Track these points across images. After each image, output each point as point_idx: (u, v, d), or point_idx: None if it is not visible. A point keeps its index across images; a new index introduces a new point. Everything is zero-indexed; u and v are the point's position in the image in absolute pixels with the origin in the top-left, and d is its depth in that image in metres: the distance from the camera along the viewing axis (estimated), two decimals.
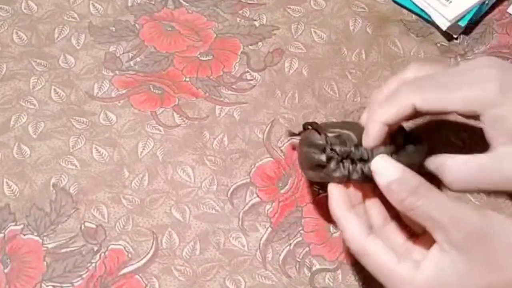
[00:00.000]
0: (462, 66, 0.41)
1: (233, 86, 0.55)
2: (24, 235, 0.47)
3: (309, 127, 0.43)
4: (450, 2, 0.57)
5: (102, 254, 0.46)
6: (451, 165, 0.39)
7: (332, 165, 0.41)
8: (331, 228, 0.48)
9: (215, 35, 0.59)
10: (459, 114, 0.39)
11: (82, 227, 0.47)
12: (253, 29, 0.59)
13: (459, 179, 0.39)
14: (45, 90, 0.54)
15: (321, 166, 0.41)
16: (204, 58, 0.57)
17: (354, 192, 0.41)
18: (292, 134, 0.49)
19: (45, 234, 0.47)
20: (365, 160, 0.40)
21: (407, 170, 0.38)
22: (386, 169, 0.38)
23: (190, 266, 0.46)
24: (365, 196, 0.42)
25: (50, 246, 0.46)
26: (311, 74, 0.56)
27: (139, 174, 0.50)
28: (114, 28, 0.58)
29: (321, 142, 0.41)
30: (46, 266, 0.45)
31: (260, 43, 0.58)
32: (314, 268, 0.46)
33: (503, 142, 0.38)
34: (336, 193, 0.41)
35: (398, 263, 0.36)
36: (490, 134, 0.38)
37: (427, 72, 0.41)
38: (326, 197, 0.49)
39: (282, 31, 0.59)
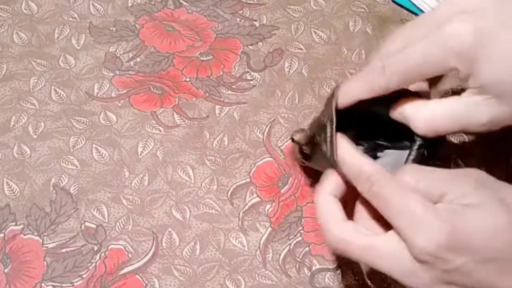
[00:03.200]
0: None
1: (233, 86, 0.55)
2: (24, 235, 0.47)
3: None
4: None
5: (102, 254, 0.46)
6: (419, 116, 0.38)
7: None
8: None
9: (215, 35, 0.59)
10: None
11: (82, 227, 0.47)
12: (253, 29, 0.59)
13: (429, 127, 0.37)
14: (45, 90, 0.54)
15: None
16: (204, 58, 0.57)
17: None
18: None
19: (45, 234, 0.47)
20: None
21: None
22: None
23: (190, 266, 0.46)
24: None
25: (50, 246, 0.46)
26: (311, 74, 0.56)
27: (139, 174, 0.50)
28: (114, 28, 0.59)
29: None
30: (46, 266, 0.45)
31: (260, 43, 0.58)
32: (314, 268, 0.46)
33: (474, 92, 0.36)
34: (329, 180, 0.39)
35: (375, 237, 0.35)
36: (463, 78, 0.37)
37: None
38: None
39: (282, 31, 0.59)
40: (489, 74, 0.34)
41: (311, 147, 0.43)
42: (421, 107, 0.38)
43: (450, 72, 0.36)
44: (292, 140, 0.46)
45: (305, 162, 0.46)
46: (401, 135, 0.40)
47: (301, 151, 0.46)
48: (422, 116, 0.37)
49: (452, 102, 0.36)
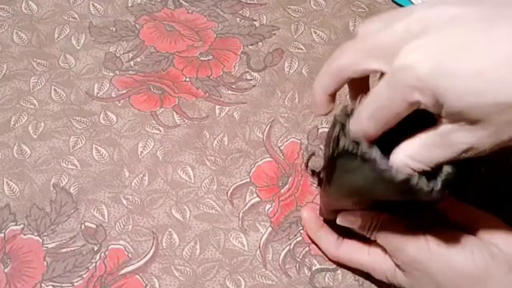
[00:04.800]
0: None
1: (233, 86, 0.55)
2: (24, 235, 0.47)
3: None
4: None
5: (102, 254, 0.46)
6: (398, 157, 0.35)
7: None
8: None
9: (215, 35, 0.59)
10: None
11: (82, 227, 0.47)
12: (253, 29, 0.59)
13: (412, 164, 0.34)
14: (45, 90, 0.54)
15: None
16: (204, 58, 0.57)
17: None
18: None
19: (45, 234, 0.47)
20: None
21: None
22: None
23: (190, 266, 0.46)
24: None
25: (50, 246, 0.46)
26: (311, 74, 0.56)
27: (139, 174, 0.50)
28: (114, 28, 0.59)
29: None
30: (46, 266, 0.45)
31: (260, 43, 0.58)
32: (314, 268, 0.46)
33: (446, 121, 0.33)
34: (306, 217, 0.47)
35: (368, 254, 0.44)
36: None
37: None
38: None
39: (282, 31, 0.59)
40: (456, 102, 0.30)
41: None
42: (399, 148, 0.35)
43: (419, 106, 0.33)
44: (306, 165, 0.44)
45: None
46: None
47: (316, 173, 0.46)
48: (402, 155, 0.34)
49: (429, 134, 0.34)
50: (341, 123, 0.35)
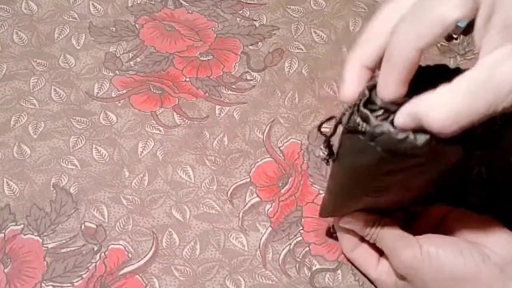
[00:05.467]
0: None
1: (233, 86, 0.55)
2: (24, 235, 0.47)
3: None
4: None
5: (102, 254, 0.46)
6: (434, 108, 0.29)
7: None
8: (331, 228, 0.48)
9: (215, 35, 0.59)
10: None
11: (82, 227, 0.47)
12: (253, 29, 0.59)
13: (449, 119, 0.29)
14: (45, 90, 0.54)
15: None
16: (204, 58, 0.57)
17: None
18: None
19: (45, 234, 0.47)
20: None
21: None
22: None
23: (190, 266, 0.46)
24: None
25: (50, 246, 0.46)
26: (311, 74, 0.56)
27: (139, 174, 0.50)
28: (114, 28, 0.59)
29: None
30: (46, 265, 0.45)
31: (260, 43, 0.58)
32: (314, 268, 0.46)
33: (497, 43, 0.29)
34: (343, 238, 0.46)
35: (376, 266, 0.44)
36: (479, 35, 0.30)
37: None
38: None
39: (282, 31, 0.59)
40: None
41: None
42: (433, 96, 0.29)
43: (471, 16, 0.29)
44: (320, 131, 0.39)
45: (322, 191, 0.46)
46: None
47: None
48: (439, 106, 0.29)
49: (471, 72, 0.28)
50: (355, 103, 0.34)
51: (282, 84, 0.56)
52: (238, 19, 0.60)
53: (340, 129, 0.36)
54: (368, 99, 0.33)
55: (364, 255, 0.44)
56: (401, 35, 0.30)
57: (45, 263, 0.46)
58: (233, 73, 0.56)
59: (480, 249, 0.38)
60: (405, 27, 0.31)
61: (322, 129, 0.38)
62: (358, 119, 0.33)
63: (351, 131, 0.34)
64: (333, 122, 0.36)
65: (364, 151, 0.34)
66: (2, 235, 0.46)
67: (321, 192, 0.50)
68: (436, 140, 0.31)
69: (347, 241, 0.45)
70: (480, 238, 0.39)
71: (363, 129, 0.33)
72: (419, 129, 0.31)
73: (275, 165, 0.51)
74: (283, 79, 0.56)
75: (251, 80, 0.56)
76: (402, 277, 0.41)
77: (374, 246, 0.44)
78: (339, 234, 0.46)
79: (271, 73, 0.56)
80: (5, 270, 0.45)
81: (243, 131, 0.53)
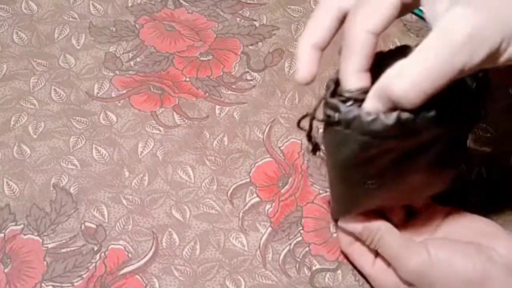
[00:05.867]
0: None
1: (233, 86, 0.55)
2: (24, 235, 0.47)
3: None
4: None
5: (102, 254, 0.46)
6: (393, 77, 0.30)
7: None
8: (331, 228, 0.48)
9: (215, 35, 0.59)
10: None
11: (82, 227, 0.47)
12: (253, 29, 0.59)
13: (410, 83, 0.29)
14: (45, 90, 0.54)
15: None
16: (204, 58, 0.57)
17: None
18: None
19: (45, 234, 0.47)
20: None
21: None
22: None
23: (190, 266, 0.46)
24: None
25: (50, 246, 0.46)
26: None
27: (139, 174, 0.50)
28: (114, 28, 0.59)
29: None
30: (46, 265, 0.45)
31: (260, 43, 0.58)
32: (314, 268, 0.46)
33: (445, 8, 0.29)
34: (340, 232, 0.45)
35: (373, 265, 0.43)
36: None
37: None
38: (327, 197, 0.49)
39: (282, 31, 0.59)
40: None
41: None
42: (394, 69, 0.30)
43: None
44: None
45: (322, 191, 0.46)
46: None
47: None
48: (401, 75, 0.29)
49: (426, 40, 0.29)
50: (322, 97, 0.35)
51: (282, 84, 0.56)
52: (238, 19, 0.60)
53: (317, 124, 0.37)
54: (334, 91, 0.34)
55: (361, 251, 0.44)
56: (353, 20, 0.32)
57: (45, 263, 0.45)
58: (233, 73, 0.56)
59: (487, 251, 0.38)
60: (356, 12, 0.32)
61: (301, 125, 0.38)
62: (329, 111, 0.34)
63: (327, 124, 0.35)
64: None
65: (344, 142, 0.34)
66: (2, 235, 0.46)
67: (321, 192, 0.50)
68: (406, 116, 0.31)
69: (344, 235, 0.45)
70: (484, 240, 0.39)
71: (336, 119, 0.34)
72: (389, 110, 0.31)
73: (275, 165, 0.51)
74: (283, 79, 0.56)
75: (251, 80, 0.56)
76: (409, 284, 0.40)
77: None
78: (338, 228, 0.45)
79: (271, 73, 0.56)
80: (5, 270, 0.45)
81: (243, 131, 0.53)
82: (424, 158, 0.37)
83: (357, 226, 0.42)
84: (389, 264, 0.42)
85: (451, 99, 0.33)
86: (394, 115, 0.31)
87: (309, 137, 0.39)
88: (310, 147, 0.40)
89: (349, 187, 0.40)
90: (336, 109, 0.33)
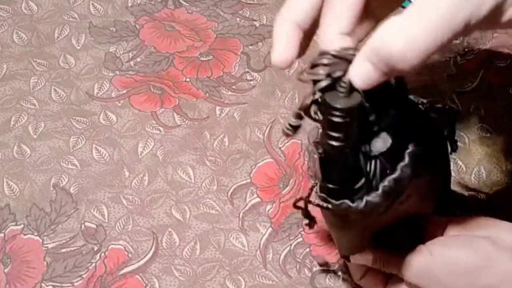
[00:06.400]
0: None
1: (233, 87, 0.55)
2: (24, 235, 0.47)
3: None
4: None
5: (102, 254, 0.46)
6: (386, 35, 0.26)
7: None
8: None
9: (215, 35, 0.59)
10: None
11: (82, 227, 0.47)
12: (253, 29, 0.59)
13: (405, 41, 0.26)
14: (45, 90, 0.54)
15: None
16: (204, 58, 0.57)
17: None
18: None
19: (45, 234, 0.47)
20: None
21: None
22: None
23: (190, 266, 0.46)
24: None
25: (50, 246, 0.46)
26: None
27: (139, 174, 0.50)
28: (114, 29, 0.58)
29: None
30: (46, 265, 0.45)
31: (260, 43, 0.58)
32: (315, 269, 0.46)
33: None
34: (351, 267, 0.44)
35: None
36: None
37: None
38: None
39: None
40: None
41: None
42: (386, 27, 0.26)
43: None
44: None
45: None
46: None
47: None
48: (395, 33, 0.26)
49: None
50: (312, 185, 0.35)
51: (282, 84, 0.56)
52: (238, 19, 0.60)
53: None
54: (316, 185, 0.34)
55: (373, 279, 0.43)
56: None
57: (45, 263, 0.45)
58: (233, 73, 0.56)
59: (488, 237, 0.38)
60: None
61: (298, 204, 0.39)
62: (319, 202, 0.34)
63: (322, 206, 0.35)
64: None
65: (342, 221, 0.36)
66: (2, 235, 0.46)
67: None
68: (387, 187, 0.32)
69: (355, 269, 0.44)
70: (484, 231, 0.39)
71: (328, 206, 0.34)
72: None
73: (275, 166, 0.51)
74: (283, 79, 0.56)
75: (251, 80, 0.56)
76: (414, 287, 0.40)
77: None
78: (348, 264, 0.45)
79: (271, 73, 0.56)
80: (5, 270, 0.45)
81: (244, 131, 0.53)
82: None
83: (369, 257, 0.41)
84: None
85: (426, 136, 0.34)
86: (361, 202, 0.32)
87: (306, 214, 0.39)
88: (307, 221, 0.40)
89: (352, 239, 0.40)
90: (327, 201, 0.34)
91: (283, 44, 0.31)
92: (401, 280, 0.41)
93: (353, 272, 0.44)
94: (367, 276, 0.44)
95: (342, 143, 0.30)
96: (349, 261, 0.42)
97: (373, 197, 0.32)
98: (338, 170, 0.33)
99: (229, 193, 0.49)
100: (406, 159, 0.32)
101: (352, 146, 0.31)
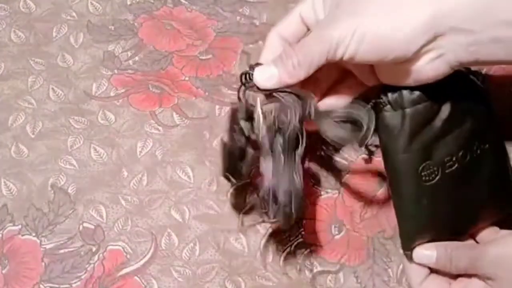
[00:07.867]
0: None
1: (233, 86, 0.55)
2: (22, 235, 0.46)
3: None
4: None
5: (101, 255, 0.46)
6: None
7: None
8: (333, 230, 0.48)
9: (215, 34, 0.58)
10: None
11: (81, 227, 0.47)
12: (253, 27, 0.59)
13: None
14: (43, 89, 0.54)
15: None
16: (203, 57, 0.57)
17: None
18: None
19: (43, 234, 0.46)
20: None
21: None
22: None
23: (189, 267, 0.46)
24: None
25: (48, 246, 0.46)
26: None
27: (138, 174, 0.50)
28: (112, 27, 0.58)
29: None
30: (44, 267, 0.45)
31: (260, 42, 0.58)
32: (315, 270, 0.46)
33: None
34: (411, 271, 0.43)
35: None
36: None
37: None
38: (328, 199, 0.49)
39: None
40: None
41: None
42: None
43: None
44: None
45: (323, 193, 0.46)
46: None
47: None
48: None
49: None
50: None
51: None
52: (238, 17, 0.59)
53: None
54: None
55: (435, 284, 0.42)
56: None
57: (43, 264, 0.45)
58: (233, 72, 0.56)
59: None
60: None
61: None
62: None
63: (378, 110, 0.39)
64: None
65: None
66: (0, 235, 0.46)
67: (322, 193, 0.49)
68: None
69: (415, 273, 0.42)
70: None
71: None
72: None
73: None
74: None
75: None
76: (487, 277, 0.40)
77: (443, 273, 0.42)
78: (405, 267, 0.43)
79: None
80: (3, 271, 0.45)
81: None
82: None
83: (433, 253, 0.41)
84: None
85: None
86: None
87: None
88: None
89: (410, 186, 0.40)
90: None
91: (268, 49, 0.42)
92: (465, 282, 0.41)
93: (412, 276, 0.43)
94: (428, 280, 0.42)
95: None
96: (411, 258, 0.41)
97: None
98: None
99: (229, 194, 0.49)
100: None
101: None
